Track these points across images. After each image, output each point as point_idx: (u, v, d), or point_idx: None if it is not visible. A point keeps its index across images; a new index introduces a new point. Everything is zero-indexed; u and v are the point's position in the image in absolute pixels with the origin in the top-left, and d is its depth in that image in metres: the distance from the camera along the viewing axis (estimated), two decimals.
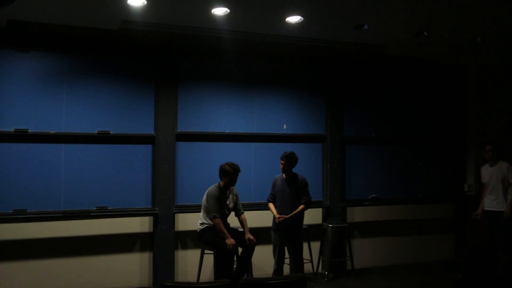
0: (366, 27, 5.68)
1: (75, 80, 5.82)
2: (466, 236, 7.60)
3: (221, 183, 5.46)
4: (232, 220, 5.77)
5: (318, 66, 6.96)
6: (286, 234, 5.59)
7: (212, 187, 5.43)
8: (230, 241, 5.16)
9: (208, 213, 5.34)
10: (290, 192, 5.58)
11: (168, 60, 6.17)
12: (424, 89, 7.60)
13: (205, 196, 5.43)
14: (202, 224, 5.44)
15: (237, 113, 6.54)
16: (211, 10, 5.08)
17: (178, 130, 6.20)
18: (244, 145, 6.55)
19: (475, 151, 7.61)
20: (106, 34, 5.72)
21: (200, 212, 5.51)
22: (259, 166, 6.58)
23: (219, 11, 5.10)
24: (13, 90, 5.57)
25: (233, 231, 5.46)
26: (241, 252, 5.43)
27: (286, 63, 6.80)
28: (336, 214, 6.87)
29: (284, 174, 5.66)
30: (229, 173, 5.40)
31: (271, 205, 5.71)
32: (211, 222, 5.31)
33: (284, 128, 6.76)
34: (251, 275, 5.83)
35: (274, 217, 5.62)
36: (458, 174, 7.72)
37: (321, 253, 6.69)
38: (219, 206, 5.35)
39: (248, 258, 5.47)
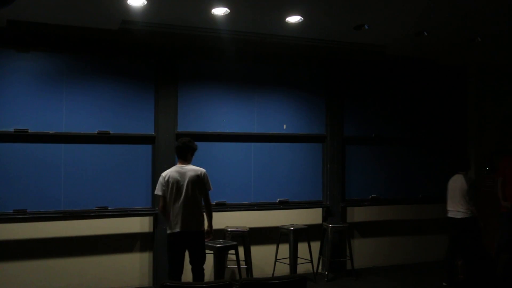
0: (366, 27, 5.68)
1: (75, 80, 5.82)
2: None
3: None
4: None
5: (318, 66, 6.95)
6: None
7: None
8: None
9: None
10: None
11: (168, 60, 6.17)
12: (424, 89, 7.60)
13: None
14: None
15: (237, 113, 6.54)
16: (211, 10, 5.09)
17: (178, 130, 6.20)
18: (244, 145, 6.54)
19: (475, 151, 7.61)
20: (106, 34, 5.73)
21: None
22: (259, 166, 6.58)
23: (219, 11, 5.10)
24: (13, 90, 5.57)
25: None
26: None
27: (286, 63, 6.79)
28: (336, 214, 6.87)
29: None
30: None
31: None
32: None
33: (284, 128, 6.76)
34: (251, 275, 5.83)
35: None
36: None
37: (321, 253, 6.68)
38: None
39: None
